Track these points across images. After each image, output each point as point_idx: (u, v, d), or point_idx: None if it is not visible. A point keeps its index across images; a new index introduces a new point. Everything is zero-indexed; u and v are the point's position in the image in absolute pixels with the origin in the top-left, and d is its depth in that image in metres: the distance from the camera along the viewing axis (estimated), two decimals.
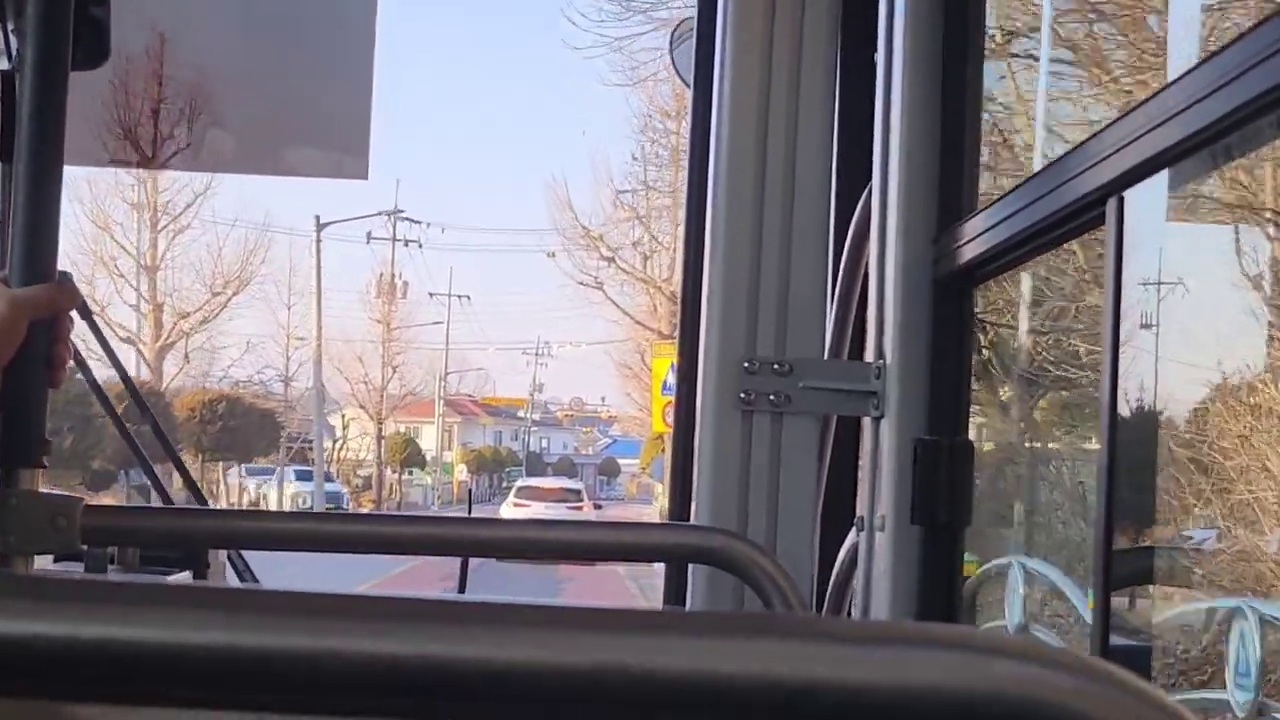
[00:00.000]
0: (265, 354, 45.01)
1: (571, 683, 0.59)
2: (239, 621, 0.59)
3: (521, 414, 68.02)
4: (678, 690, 0.58)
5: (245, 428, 37.32)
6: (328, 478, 43.15)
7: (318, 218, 43.03)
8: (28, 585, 0.63)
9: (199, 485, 2.92)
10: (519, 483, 40.39)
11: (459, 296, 56.74)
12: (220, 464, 39.10)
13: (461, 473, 56.04)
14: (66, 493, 1.85)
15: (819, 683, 0.58)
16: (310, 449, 42.75)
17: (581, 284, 36.89)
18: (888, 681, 0.57)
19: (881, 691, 0.58)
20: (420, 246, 49.47)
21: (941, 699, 0.57)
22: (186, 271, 40.68)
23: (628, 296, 36.59)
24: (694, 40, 2.62)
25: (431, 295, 54.20)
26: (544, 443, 72.44)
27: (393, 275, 48.90)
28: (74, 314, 1.83)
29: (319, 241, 42.95)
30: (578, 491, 37.67)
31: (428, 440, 57.28)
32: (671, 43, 3.40)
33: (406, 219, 48.83)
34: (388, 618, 0.60)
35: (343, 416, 52.87)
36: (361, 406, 49.99)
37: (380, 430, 48.82)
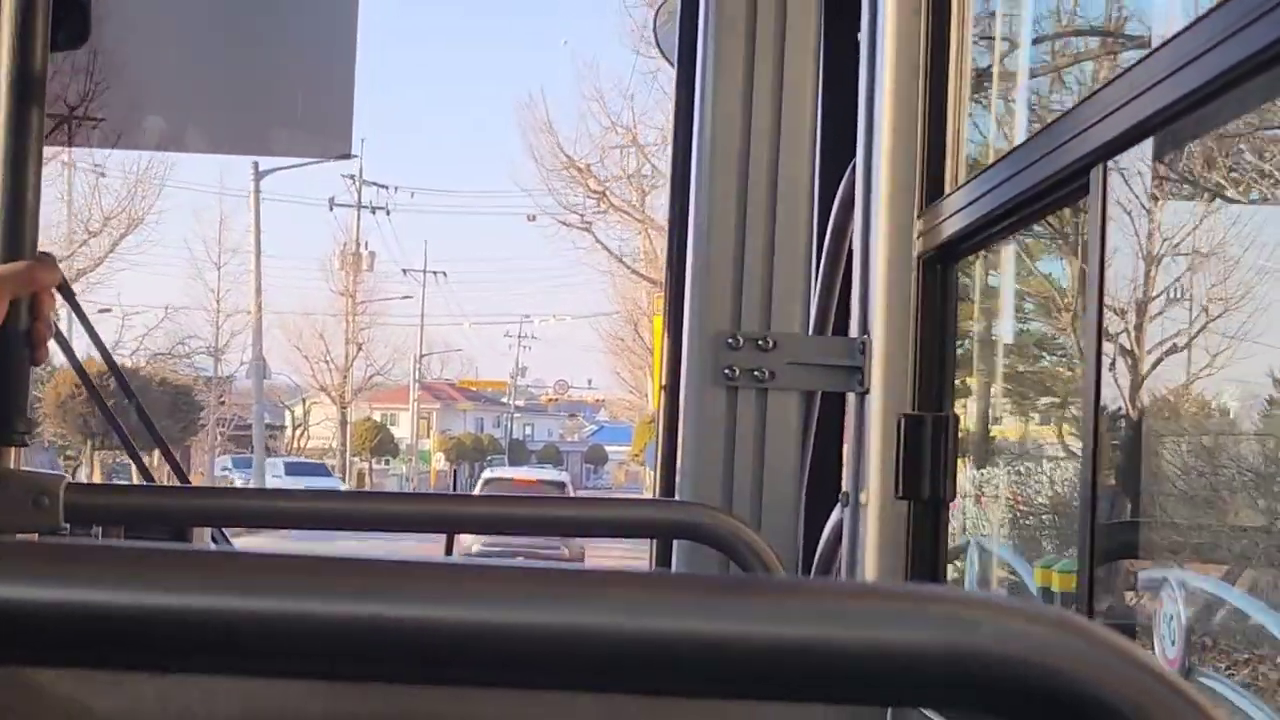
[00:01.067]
0: (190, 322, 35.91)
1: (553, 643, 0.58)
2: (210, 584, 0.59)
3: (504, 399, 66.99)
4: (660, 650, 0.58)
5: (147, 409, 31.28)
6: (323, 471, 38.91)
7: (256, 164, 35.00)
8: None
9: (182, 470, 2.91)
10: (485, 474, 32.70)
11: (434, 273, 52.02)
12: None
13: (439, 461, 54.33)
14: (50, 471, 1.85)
15: (800, 640, 0.58)
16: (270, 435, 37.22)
17: (565, 224, 32.28)
18: (870, 639, 0.57)
19: (865, 649, 0.57)
20: (388, 213, 45.49)
21: (926, 656, 0.57)
22: (57, 206, 28.24)
23: (621, 241, 32.34)
24: (678, 16, 2.62)
25: (405, 272, 50.57)
26: (528, 429, 71.58)
27: (357, 244, 43.95)
28: (55, 291, 1.83)
29: (258, 191, 36.00)
30: (560, 484, 30.07)
31: (405, 428, 54.57)
32: (656, 19, 3.39)
33: (374, 184, 44.80)
34: (374, 578, 0.60)
35: (304, 400, 48.03)
36: (323, 389, 44.99)
37: (345, 415, 44.50)
